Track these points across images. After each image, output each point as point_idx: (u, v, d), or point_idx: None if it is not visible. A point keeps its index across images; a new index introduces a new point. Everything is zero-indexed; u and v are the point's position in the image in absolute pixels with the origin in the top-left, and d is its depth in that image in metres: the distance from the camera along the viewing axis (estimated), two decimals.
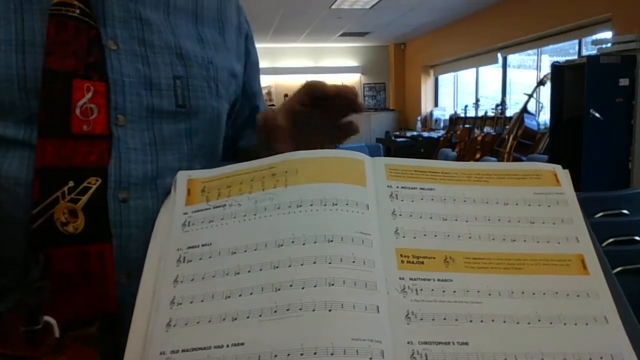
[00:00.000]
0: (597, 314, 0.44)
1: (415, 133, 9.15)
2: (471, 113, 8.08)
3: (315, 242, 0.46)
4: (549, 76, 4.94)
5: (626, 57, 4.20)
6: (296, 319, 0.41)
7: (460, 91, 9.42)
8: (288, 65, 10.22)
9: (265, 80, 10.20)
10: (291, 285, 0.43)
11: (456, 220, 0.50)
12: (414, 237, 0.48)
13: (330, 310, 0.41)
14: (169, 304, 0.45)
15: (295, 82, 10.16)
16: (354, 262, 0.45)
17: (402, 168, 0.54)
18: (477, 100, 8.14)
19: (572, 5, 5.52)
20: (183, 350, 0.42)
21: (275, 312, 0.42)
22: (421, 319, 0.43)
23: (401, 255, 0.47)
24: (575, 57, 5.60)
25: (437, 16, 7.79)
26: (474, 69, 8.46)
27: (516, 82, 7.52)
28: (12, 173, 0.53)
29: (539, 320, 0.43)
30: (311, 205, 0.49)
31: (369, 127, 9.98)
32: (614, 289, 0.46)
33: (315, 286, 0.43)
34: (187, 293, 0.46)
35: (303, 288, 0.43)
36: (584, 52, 5.73)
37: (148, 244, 0.57)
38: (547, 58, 6.70)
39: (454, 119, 8.26)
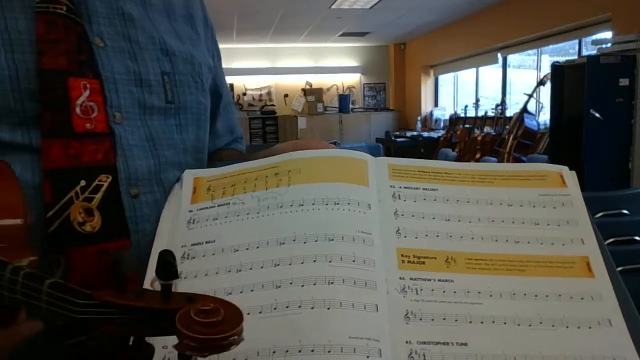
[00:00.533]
0: (601, 317, 0.44)
1: (415, 133, 9.14)
2: (471, 113, 8.06)
3: (316, 241, 0.46)
4: (549, 76, 4.93)
5: (626, 57, 4.19)
6: (295, 316, 0.42)
7: (460, 91, 9.41)
8: (288, 65, 10.20)
9: (265, 80, 10.20)
10: (291, 283, 0.44)
11: (459, 220, 0.50)
12: (416, 237, 0.48)
13: (329, 309, 0.42)
14: None
15: (295, 82, 10.24)
16: (354, 261, 0.45)
17: (405, 168, 0.54)
18: (477, 100, 8.13)
19: (572, 5, 5.52)
20: None
21: (275, 309, 0.43)
22: (420, 319, 0.43)
23: (402, 255, 0.47)
24: (575, 57, 5.59)
25: (437, 16, 7.78)
26: (474, 69, 8.45)
27: (516, 82, 7.51)
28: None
29: (541, 323, 0.43)
30: (313, 204, 0.49)
31: (369, 127, 9.97)
32: (620, 292, 0.45)
33: (314, 284, 0.43)
34: (190, 289, 0.46)
35: (303, 286, 0.43)
36: (584, 52, 5.73)
37: None
38: (547, 58, 6.70)
39: (454, 119, 8.25)
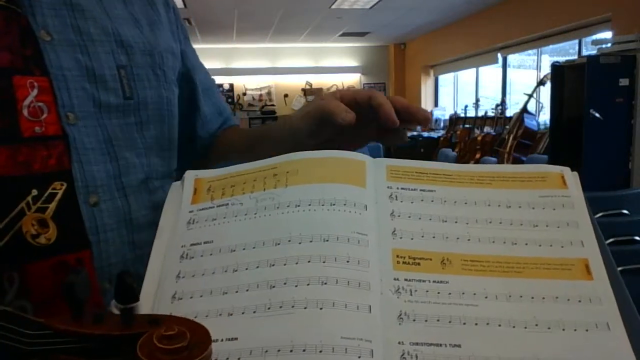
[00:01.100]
0: (599, 321, 0.43)
1: (415, 133, 9.12)
2: (471, 113, 8.07)
3: (311, 241, 0.46)
4: (549, 76, 4.94)
5: (626, 57, 4.19)
6: (288, 316, 0.42)
7: (460, 91, 9.42)
8: (288, 65, 10.21)
9: (265, 80, 10.21)
10: (285, 283, 0.44)
11: (456, 222, 0.50)
12: (412, 238, 0.48)
13: (321, 309, 0.42)
14: (171, 299, 0.46)
15: (295, 82, 10.24)
16: (348, 261, 0.45)
17: (404, 169, 0.54)
18: (477, 100, 8.14)
19: (572, 5, 5.53)
20: None
21: (268, 308, 0.43)
22: (414, 320, 0.42)
23: (397, 256, 0.47)
24: (575, 57, 5.60)
25: (437, 16, 7.79)
26: (474, 69, 8.46)
27: (516, 82, 7.52)
28: None
29: (537, 325, 0.42)
30: (309, 205, 0.49)
31: None
32: (620, 295, 0.45)
33: (308, 284, 0.43)
34: (188, 289, 0.46)
35: (296, 286, 0.43)
36: (584, 52, 5.74)
37: (125, 247, 0.56)
38: (547, 58, 6.71)
39: (454, 119, 8.26)
